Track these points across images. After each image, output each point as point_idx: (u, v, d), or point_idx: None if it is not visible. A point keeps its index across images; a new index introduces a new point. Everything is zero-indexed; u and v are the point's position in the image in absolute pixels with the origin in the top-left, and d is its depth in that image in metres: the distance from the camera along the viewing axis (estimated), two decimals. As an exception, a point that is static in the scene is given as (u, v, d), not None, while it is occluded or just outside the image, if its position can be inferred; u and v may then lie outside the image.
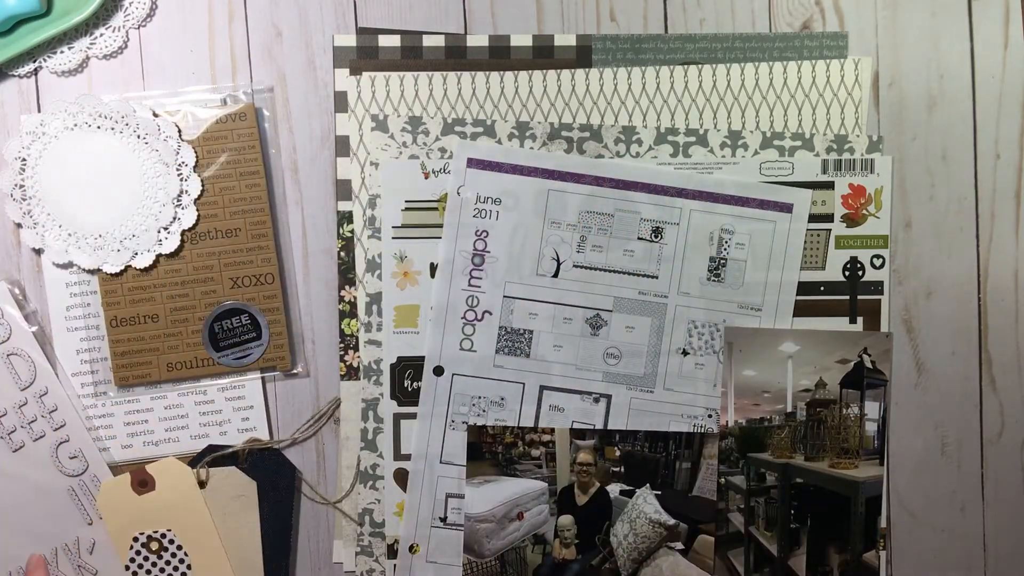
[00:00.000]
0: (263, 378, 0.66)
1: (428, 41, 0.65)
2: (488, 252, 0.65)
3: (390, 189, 0.65)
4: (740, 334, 0.66)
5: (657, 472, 0.66)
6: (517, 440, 0.66)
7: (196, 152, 0.64)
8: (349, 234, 0.66)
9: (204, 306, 0.64)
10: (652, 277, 0.65)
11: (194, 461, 0.65)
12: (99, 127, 0.62)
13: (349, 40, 0.66)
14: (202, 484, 0.65)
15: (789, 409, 0.66)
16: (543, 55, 0.66)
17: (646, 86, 0.66)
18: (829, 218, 0.66)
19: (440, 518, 0.66)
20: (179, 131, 0.62)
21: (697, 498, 0.66)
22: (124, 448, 0.65)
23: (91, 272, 0.63)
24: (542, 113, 0.66)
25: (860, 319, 0.66)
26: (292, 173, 0.66)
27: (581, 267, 0.65)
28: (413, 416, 0.66)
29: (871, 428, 0.66)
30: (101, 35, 0.65)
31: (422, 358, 0.65)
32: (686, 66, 0.66)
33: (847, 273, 0.66)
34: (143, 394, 0.65)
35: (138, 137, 0.62)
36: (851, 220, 0.66)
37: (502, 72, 0.65)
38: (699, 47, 0.66)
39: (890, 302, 0.67)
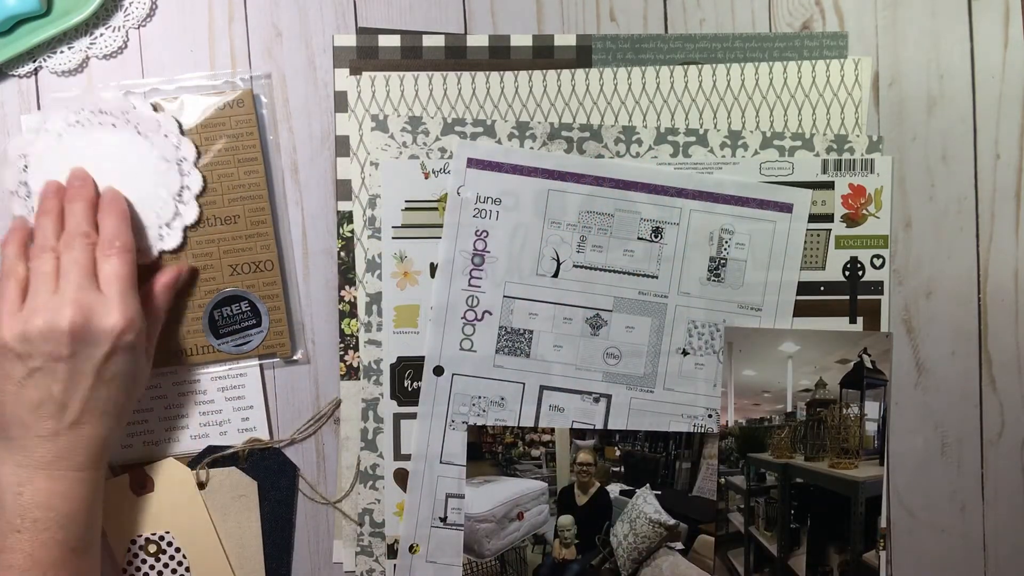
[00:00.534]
0: (263, 373, 0.66)
1: (428, 41, 0.65)
2: (488, 252, 0.65)
3: (390, 189, 0.65)
4: (740, 334, 0.66)
5: (657, 472, 0.66)
6: (517, 440, 0.66)
7: (195, 141, 0.63)
8: (349, 234, 0.66)
9: (203, 293, 0.64)
10: (652, 277, 0.65)
11: (194, 462, 0.65)
12: (99, 123, 0.62)
13: (349, 40, 0.66)
14: (202, 485, 0.65)
15: (789, 409, 0.66)
16: (543, 55, 0.66)
17: (646, 86, 0.66)
18: (829, 218, 0.66)
19: (440, 518, 0.66)
20: (179, 126, 0.62)
21: (697, 498, 0.66)
22: (124, 448, 0.65)
23: None
24: (542, 113, 0.66)
25: (860, 319, 0.66)
26: (292, 173, 0.66)
27: (581, 267, 0.65)
28: (413, 416, 0.66)
29: (871, 428, 0.66)
30: (101, 35, 0.65)
31: (422, 358, 0.65)
32: (686, 66, 0.66)
33: (847, 273, 0.66)
34: (143, 393, 0.65)
35: (138, 132, 0.62)
36: (851, 220, 0.66)
37: (502, 72, 0.65)
38: (699, 47, 0.66)
39: (890, 302, 0.67)
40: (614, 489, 0.66)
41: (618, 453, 0.66)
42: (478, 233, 0.65)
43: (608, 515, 0.66)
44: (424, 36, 0.65)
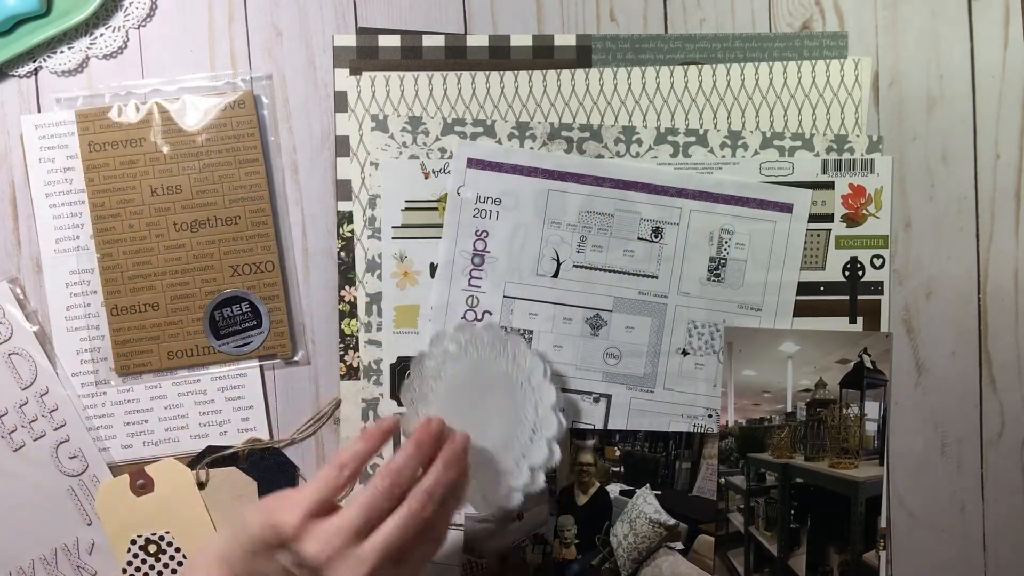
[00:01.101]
0: (263, 373, 0.66)
1: (428, 41, 0.65)
2: (488, 252, 0.65)
3: (390, 189, 0.65)
4: (740, 334, 0.66)
5: (657, 472, 0.66)
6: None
7: (198, 142, 0.64)
8: (349, 234, 0.66)
9: (204, 294, 0.64)
10: (652, 277, 0.65)
11: (194, 462, 0.65)
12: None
13: (349, 40, 0.66)
14: (202, 485, 0.65)
15: (789, 409, 0.66)
16: (543, 55, 0.66)
17: (646, 86, 0.66)
18: (829, 218, 0.66)
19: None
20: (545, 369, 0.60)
21: (697, 498, 0.66)
22: (124, 448, 0.65)
23: None
24: (542, 113, 0.66)
25: (860, 319, 0.66)
26: (292, 173, 0.66)
27: (581, 267, 0.65)
28: (413, 416, 0.66)
29: (871, 428, 0.66)
30: (101, 35, 0.65)
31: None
32: (686, 66, 0.66)
33: (847, 273, 0.66)
34: (143, 393, 0.65)
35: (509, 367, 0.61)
36: (851, 220, 0.66)
37: (502, 72, 0.65)
38: (699, 47, 0.66)
39: (890, 302, 0.67)
40: (614, 489, 0.66)
41: (618, 453, 0.66)
42: (478, 233, 0.65)
43: (608, 515, 0.66)
44: (424, 36, 0.65)
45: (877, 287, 0.66)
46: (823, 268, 0.66)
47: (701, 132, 0.66)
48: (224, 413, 0.66)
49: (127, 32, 0.65)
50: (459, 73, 0.65)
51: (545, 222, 0.65)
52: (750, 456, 0.66)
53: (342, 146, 0.66)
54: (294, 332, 0.66)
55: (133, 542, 0.64)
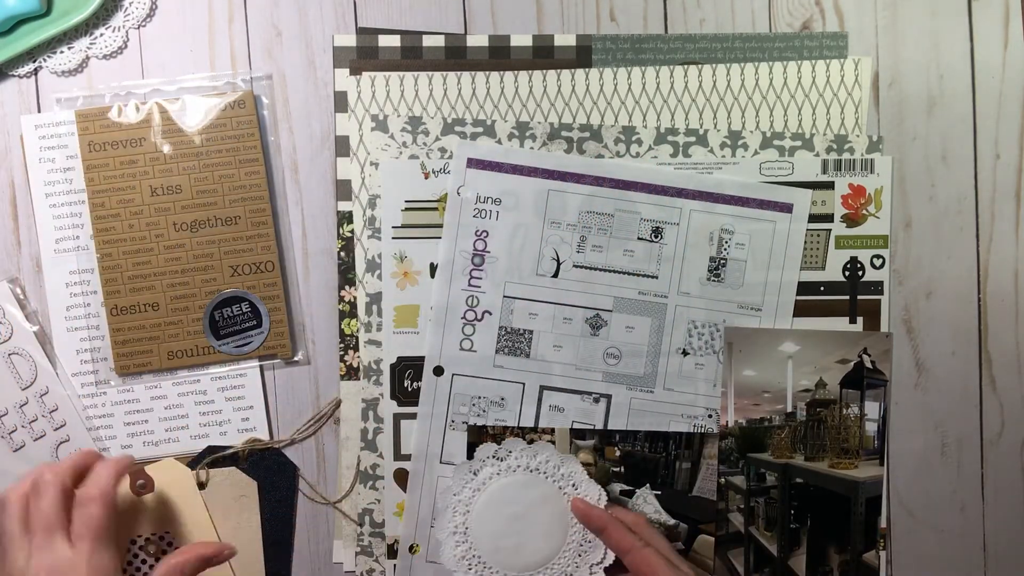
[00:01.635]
0: (263, 373, 0.66)
1: (428, 41, 0.65)
2: (488, 252, 0.65)
3: (390, 189, 0.65)
4: (740, 334, 0.66)
5: (657, 472, 0.66)
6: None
7: (198, 142, 0.64)
8: (349, 234, 0.66)
9: (204, 294, 0.64)
10: (652, 277, 0.65)
11: (194, 462, 0.65)
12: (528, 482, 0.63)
13: (349, 40, 0.66)
14: (202, 485, 0.65)
15: (789, 409, 0.66)
16: (543, 55, 0.66)
17: (646, 86, 0.66)
18: (829, 218, 0.66)
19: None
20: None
21: (697, 498, 0.66)
22: (124, 448, 0.65)
23: None
24: (542, 113, 0.66)
25: (860, 319, 0.66)
26: (292, 173, 0.66)
27: (581, 267, 0.65)
28: (413, 416, 0.66)
29: (871, 428, 0.66)
30: (101, 35, 0.65)
31: (422, 358, 0.65)
32: (686, 66, 0.66)
33: (847, 273, 0.66)
34: (143, 393, 0.65)
35: (559, 488, 0.63)
36: (851, 220, 0.66)
37: (502, 72, 0.65)
38: (699, 47, 0.66)
39: (890, 302, 0.67)
40: (614, 489, 0.66)
41: (618, 453, 0.66)
42: (478, 233, 0.65)
43: (608, 515, 0.66)
44: (424, 36, 0.65)
45: (877, 287, 0.66)
46: (823, 268, 0.66)
47: (701, 132, 0.66)
48: (224, 413, 0.66)
49: (127, 32, 0.65)
50: (459, 73, 0.65)
51: (545, 222, 0.65)
52: (750, 456, 0.66)
53: (342, 146, 0.66)
54: (294, 332, 0.66)
55: (133, 542, 0.64)
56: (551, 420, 0.66)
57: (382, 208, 0.65)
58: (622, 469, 0.66)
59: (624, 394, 0.66)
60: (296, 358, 0.66)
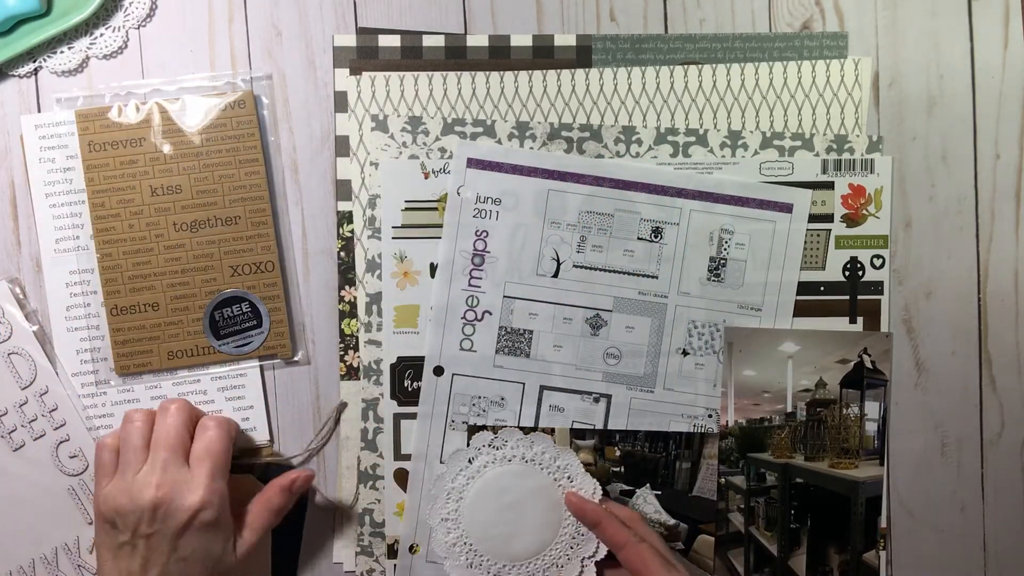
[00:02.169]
0: (263, 374, 0.66)
1: (428, 41, 0.65)
2: (488, 252, 0.65)
3: (390, 189, 0.65)
4: (740, 334, 0.66)
5: (657, 472, 0.66)
6: (517, 440, 0.66)
7: (198, 142, 0.64)
8: (349, 234, 0.66)
9: (204, 294, 0.64)
10: (652, 277, 0.65)
11: None
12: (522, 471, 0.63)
13: (349, 40, 0.66)
14: None
15: (789, 409, 0.66)
16: (543, 55, 0.66)
17: (646, 86, 0.66)
18: (829, 218, 0.66)
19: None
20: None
21: (697, 498, 0.66)
22: (124, 448, 0.65)
23: None
24: (542, 113, 0.66)
25: (860, 319, 0.66)
26: (292, 173, 0.66)
27: (581, 267, 0.65)
28: (413, 416, 0.66)
29: (871, 428, 0.66)
30: (101, 35, 0.65)
31: (422, 358, 0.65)
32: (686, 66, 0.66)
33: (847, 273, 0.66)
34: (143, 393, 0.65)
35: (554, 480, 0.63)
36: (851, 220, 0.66)
37: (502, 72, 0.65)
38: (699, 47, 0.66)
39: (890, 302, 0.67)
40: (614, 489, 0.66)
41: (618, 453, 0.66)
42: (478, 233, 0.65)
43: (608, 515, 0.66)
44: (424, 36, 0.65)
45: (877, 287, 0.66)
46: (823, 268, 0.66)
47: (701, 132, 0.66)
48: (224, 413, 0.66)
49: (127, 32, 0.65)
50: (459, 73, 0.65)
51: (545, 222, 0.65)
52: (750, 456, 0.66)
53: (342, 146, 0.66)
54: (294, 332, 0.66)
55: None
56: (551, 420, 0.66)
57: (382, 208, 0.65)
58: (622, 469, 0.66)
59: (624, 394, 0.66)
60: (296, 358, 0.66)
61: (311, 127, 0.66)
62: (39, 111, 0.65)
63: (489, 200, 0.65)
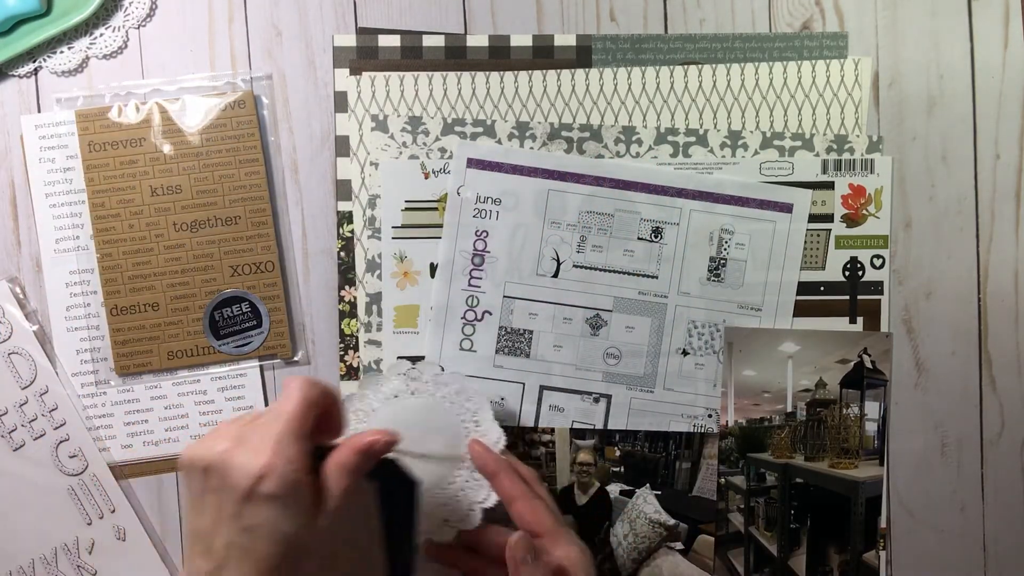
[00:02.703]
0: (263, 374, 0.66)
1: (428, 41, 0.65)
2: (488, 252, 0.65)
3: (390, 189, 0.65)
4: (740, 334, 0.66)
5: (657, 472, 0.66)
6: (517, 440, 0.66)
7: (198, 142, 0.64)
8: (349, 234, 0.66)
9: (204, 294, 0.64)
10: (652, 277, 0.65)
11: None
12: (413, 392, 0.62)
13: (349, 40, 0.66)
14: None
15: (789, 409, 0.66)
16: (543, 55, 0.66)
17: (646, 86, 0.66)
18: (829, 218, 0.66)
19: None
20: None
21: (697, 498, 0.66)
22: (124, 448, 0.65)
23: None
24: (542, 113, 0.66)
25: (860, 319, 0.66)
26: (292, 173, 0.66)
27: (581, 267, 0.65)
28: (413, 416, 0.66)
29: (871, 428, 0.66)
30: (101, 35, 0.65)
31: (422, 358, 0.65)
32: (686, 66, 0.66)
33: (847, 273, 0.66)
34: (143, 393, 0.65)
35: (461, 422, 0.62)
36: (851, 220, 0.66)
37: (502, 72, 0.65)
38: (699, 47, 0.66)
39: (890, 302, 0.67)
40: (614, 489, 0.66)
41: (618, 453, 0.66)
42: (478, 233, 0.65)
43: (608, 515, 0.66)
44: (424, 36, 0.65)
45: (877, 287, 0.66)
46: (823, 268, 0.66)
47: (701, 132, 0.66)
48: (224, 413, 0.66)
49: (127, 32, 0.65)
50: (459, 73, 0.65)
51: (545, 222, 0.65)
52: (750, 456, 0.66)
53: (342, 146, 0.66)
54: (294, 332, 0.66)
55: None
56: (551, 420, 0.66)
57: (382, 208, 0.65)
58: (622, 469, 0.66)
59: (624, 394, 0.66)
60: (296, 358, 0.66)
61: (311, 127, 0.66)
62: (39, 111, 0.65)
63: (489, 200, 0.65)
